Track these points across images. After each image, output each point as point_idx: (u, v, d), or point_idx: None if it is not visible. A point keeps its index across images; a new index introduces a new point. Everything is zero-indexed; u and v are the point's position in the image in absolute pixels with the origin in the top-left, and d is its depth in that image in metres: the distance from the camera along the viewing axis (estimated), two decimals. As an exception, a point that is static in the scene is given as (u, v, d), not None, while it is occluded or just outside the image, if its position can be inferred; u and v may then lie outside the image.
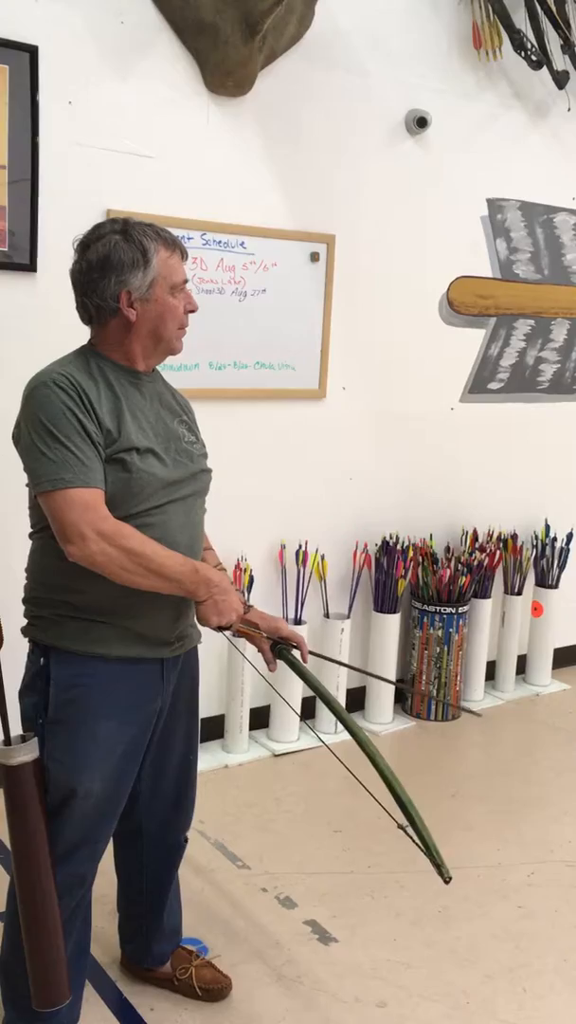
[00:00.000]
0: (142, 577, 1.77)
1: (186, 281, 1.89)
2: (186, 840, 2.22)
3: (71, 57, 2.88)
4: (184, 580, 1.81)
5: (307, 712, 3.73)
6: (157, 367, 1.97)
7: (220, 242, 3.24)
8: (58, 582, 1.84)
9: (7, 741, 1.84)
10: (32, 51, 2.80)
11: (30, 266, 2.90)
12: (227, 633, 1.94)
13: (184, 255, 1.89)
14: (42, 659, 1.87)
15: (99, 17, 2.92)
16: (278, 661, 2.04)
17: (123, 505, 1.80)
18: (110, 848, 2.07)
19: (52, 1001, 1.87)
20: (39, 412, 1.76)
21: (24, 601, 1.92)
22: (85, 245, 1.85)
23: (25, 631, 1.91)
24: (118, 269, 1.81)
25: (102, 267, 1.81)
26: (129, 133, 3.03)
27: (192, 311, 1.92)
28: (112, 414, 1.81)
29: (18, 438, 1.82)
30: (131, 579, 1.76)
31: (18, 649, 1.93)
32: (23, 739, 1.84)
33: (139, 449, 1.82)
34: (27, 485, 1.85)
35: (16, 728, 1.87)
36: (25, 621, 1.92)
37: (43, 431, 1.75)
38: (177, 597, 1.88)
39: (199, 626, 2.04)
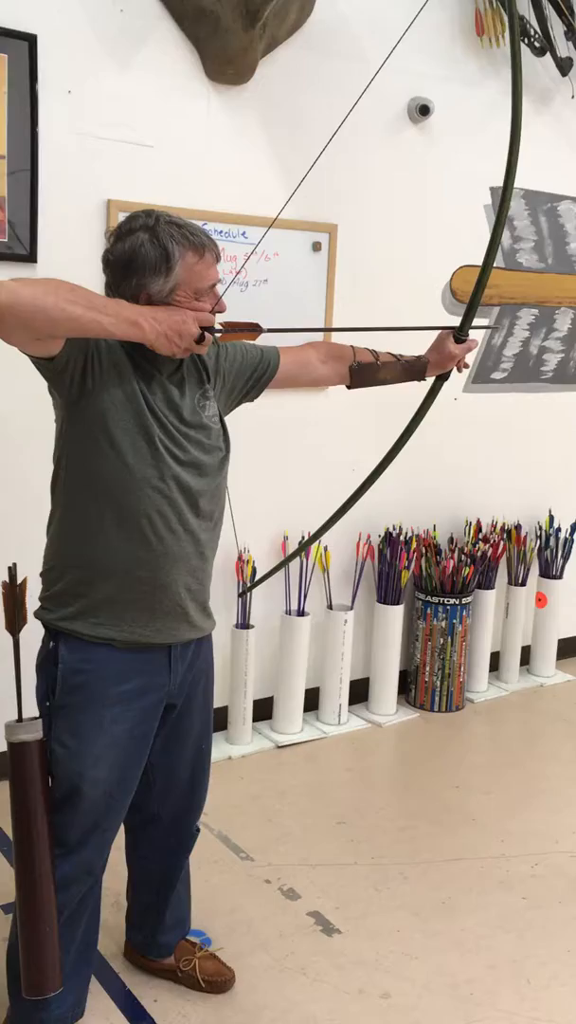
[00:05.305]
0: (76, 305, 1.60)
1: (216, 283, 1.85)
2: (198, 830, 2.22)
3: (70, 46, 2.86)
4: (121, 308, 1.69)
5: (310, 703, 3.73)
6: None
7: (221, 232, 3.22)
8: (71, 554, 1.85)
9: (20, 719, 1.86)
10: (31, 40, 2.78)
11: (30, 256, 2.88)
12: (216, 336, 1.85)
13: (217, 257, 1.84)
14: (51, 642, 1.89)
15: (98, 5, 2.89)
16: None
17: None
18: (116, 842, 2.07)
19: (40, 989, 1.85)
20: None
21: (40, 575, 1.93)
22: (117, 236, 1.83)
23: (37, 614, 1.92)
24: (140, 272, 1.77)
25: (125, 267, 1.79)
26: (129, 122, 3.01)
27: (220, 313, 1.87)
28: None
29: None
30: (69, 307, 1.59)
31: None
32: (34, 719, 1.87)
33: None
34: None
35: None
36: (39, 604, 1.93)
37: None
38: (187, 578, 1.89)
39: (213, 616, 2.05)
